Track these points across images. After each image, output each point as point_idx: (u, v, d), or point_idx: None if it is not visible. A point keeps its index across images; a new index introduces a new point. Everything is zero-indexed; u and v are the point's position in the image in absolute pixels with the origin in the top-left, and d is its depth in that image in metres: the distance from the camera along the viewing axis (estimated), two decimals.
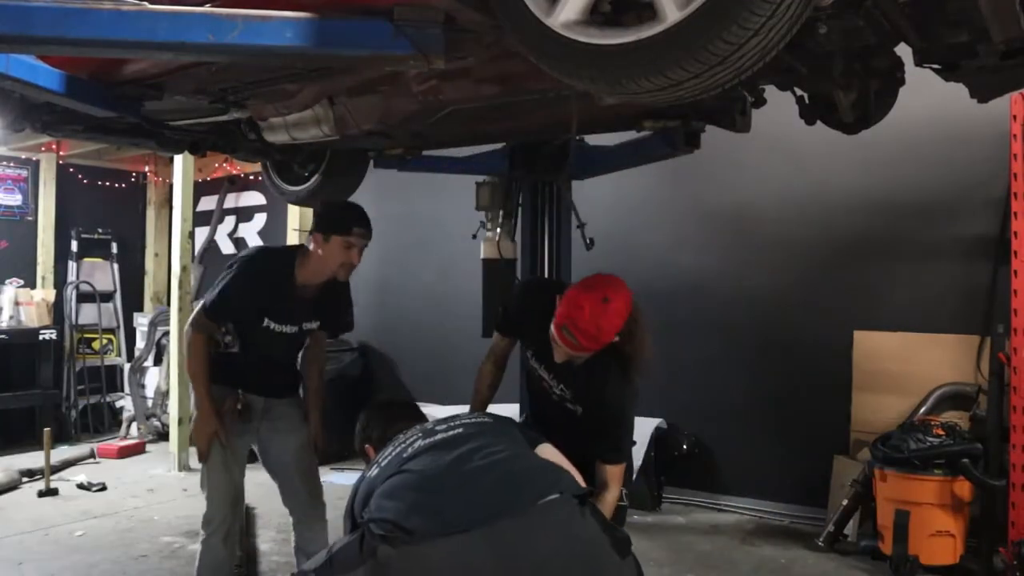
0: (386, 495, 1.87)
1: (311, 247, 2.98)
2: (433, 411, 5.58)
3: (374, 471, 2.02)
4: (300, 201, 4.41)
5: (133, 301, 7.98)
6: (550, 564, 1.77)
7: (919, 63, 2.25)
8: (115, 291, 7.84)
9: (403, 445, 2.06)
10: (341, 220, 2.95)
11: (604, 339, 2.38)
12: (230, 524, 3.05)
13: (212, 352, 3.05)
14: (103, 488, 5.33)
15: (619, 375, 2.51)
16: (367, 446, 2.45)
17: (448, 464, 1.93)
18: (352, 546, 1.78)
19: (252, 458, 3.19)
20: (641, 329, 2.50)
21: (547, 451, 2.18)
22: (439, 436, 2.05)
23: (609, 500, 2.45)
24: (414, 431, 2.12)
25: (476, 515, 1.78)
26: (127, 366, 7.37)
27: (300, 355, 3.33)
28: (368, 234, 2.98)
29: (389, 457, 2.04)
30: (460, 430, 2.08)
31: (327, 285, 3.07)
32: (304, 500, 3.17)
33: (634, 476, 4.72)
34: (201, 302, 3.08)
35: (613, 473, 2.48)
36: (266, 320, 3.00)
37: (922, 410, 4.19)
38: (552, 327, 2.42)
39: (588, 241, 3.61)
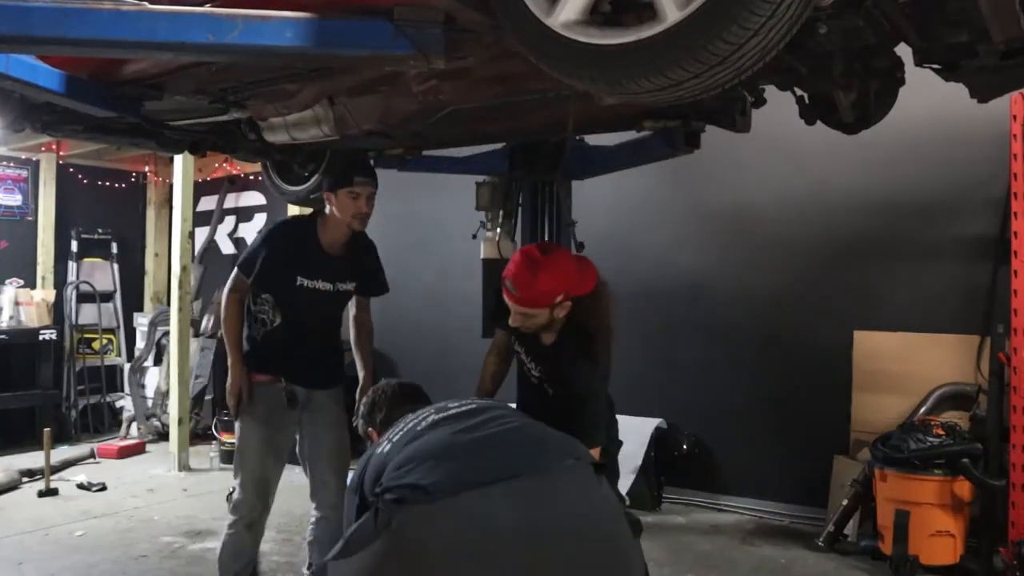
0: (401, 465, 1.82)
1: (327, 209, 3.17)
2: None
3: (385, 447, 1.97)
4: (300, 201, 4.40)
5: (133, 301, 7.97)
6: (571, 524, 1.75)
7: (919, 63, 2.25)
8: (115, 291, 7.84)
9: (416, 420, 2.03)
10: (343, 174, 3.13)
11: (540, 289, 2.41)
12: (258, 513, 3.14)
13: (257, 336, 3.17)
14: (103, 488, 5.33)
15: (584, 354, 2.52)
16: (371, 429, 2.43)
17: (465, 430, 1.91)
18: (367, 523, 1.73)
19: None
20: (604, 305, 2.53)
21: None
22: (452, 411, 2.04)
23: None
24: (425, 409, 2.10)
25: (496, 472, 1.75)
26: (127, 366, 7.36)
27: (352, 334, 3.43)
28: (371, 181, 3.15)
29: (401, 432, 2.00)
30: (473, 405, 2.08)
31: (353, 245, 3.26)
32: (332, 495, 3.21)
33: (634, 476, 4.73)
34: (235, 269, 3.23)
35: None
36: (299, 278, 3.13)
37: (922, 410, 4.19)
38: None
39: (578, 243, 3.63)
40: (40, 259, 7.32)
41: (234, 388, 3.12)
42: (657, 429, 4.95)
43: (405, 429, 2.01)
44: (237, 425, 3.19)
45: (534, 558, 1.68)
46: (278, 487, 3.24)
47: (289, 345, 3.16)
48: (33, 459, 5.74)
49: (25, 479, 5.46)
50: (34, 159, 7.29)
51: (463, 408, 2.05)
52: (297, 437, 3.26)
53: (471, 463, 1.79)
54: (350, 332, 3.46)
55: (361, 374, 3.38)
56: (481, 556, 1.66)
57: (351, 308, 3.42)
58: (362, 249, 3.34)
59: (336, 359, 3.39)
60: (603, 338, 2.53)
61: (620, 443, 2.78)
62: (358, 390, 3.33)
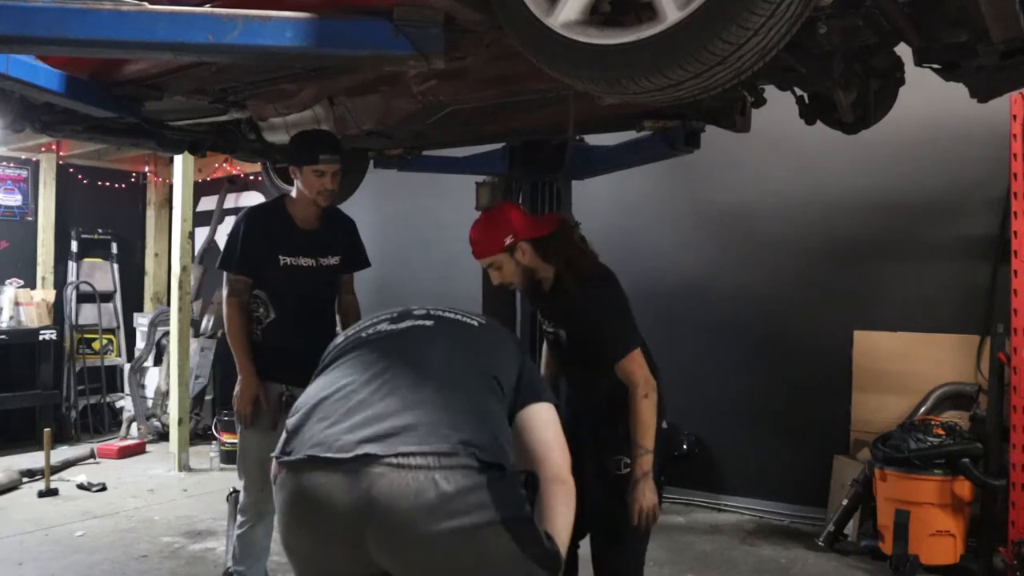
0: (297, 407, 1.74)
1: (294, 187, 3.15)
2: None
3: (336, 340, 1.96)
4: None
5: (133, 301, 7.97)
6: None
7: (919, 63, 2.26)
8: (115, 291, 7.83)
9: (366, 323, 1.94)
10: (308, 151, 3.06)
11: (482, 237, 2.58)
12: (263, 514, 3.17)
13: (256, 338, 3.15)
14: (103, 488, 5.33)
15: (578, 283, 2.56)
16: None
17: (366, 378, 1.72)
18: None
19: None
20: (573, 238, 2.64)
21: (537, 413, 1.82)
22: (392, 328, 1.88)
23: (639, 402, 2.39)
24: (389, 312, 1.96)
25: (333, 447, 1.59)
26: (127, 366, 7.36)
27: (339, 323, 3.39)
28: (336, 159, 3.06)
29: (346, 335, 1.95)
30: (421, 324, 1.88)
31: (328, 219, 3.23)
32: None
33: None
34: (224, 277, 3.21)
35: (624, 367, 2.42)
36: (281, 257, 3.11)
37: (922, 410, 4.19)
38: None
39: None
40: (40, 259, 7.32)
41: (247, 395, 3.08)
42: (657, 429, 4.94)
43: (352, 331, 1.95)
44: (239, 430, 3.19)
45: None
46: None
47: (286, 341, 3.14)
48: (33, 459, 5.74)
49: (25, 479, 5.46)
50: (34, 159, 7.29)
51: (405, 326, 1.87)
52: None
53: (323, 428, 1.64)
54: (338, 321, 3.41)
55: None
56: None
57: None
58: (339, 223, 3.32)
59: None
60: (579, 264, 2.58)
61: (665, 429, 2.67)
62: None
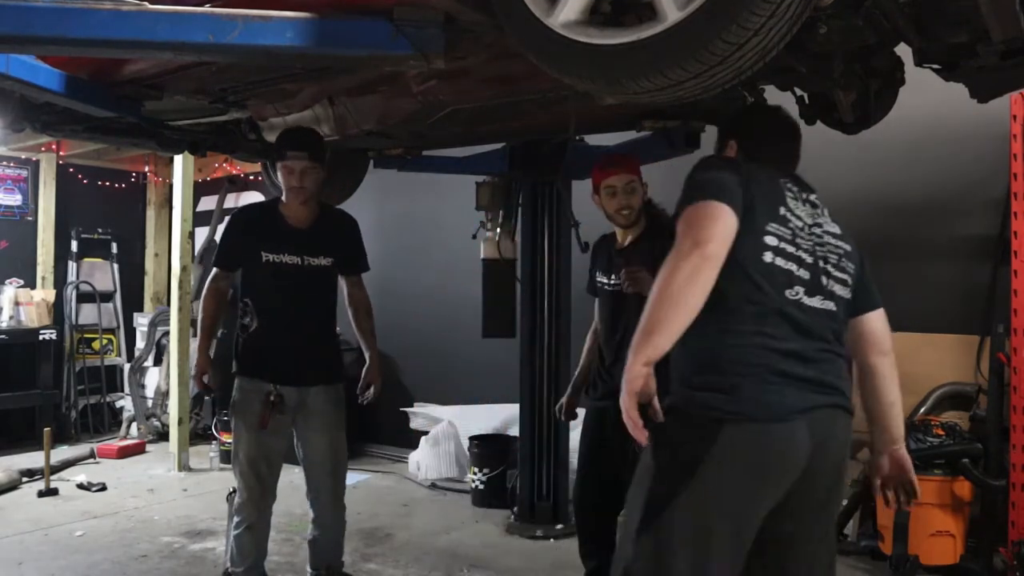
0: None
1: None
2: (433, 411, 5.59)
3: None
4: None
5: (133, 301, 7.97)
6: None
7: (919, 63, 2.26)
8: (115, 291, 7.83)
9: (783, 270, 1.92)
10: (278, 146, 3.07)
11: (630, 159, 3.12)
12: (257, 516, 3.15)
13: (242, 336, 3.15)
14: (103, 488, 5.32)
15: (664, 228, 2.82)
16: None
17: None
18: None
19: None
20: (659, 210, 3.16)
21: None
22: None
23: None
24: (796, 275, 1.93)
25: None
26: (127, 366, 7.36)
27: (350, 316, 3.41)
28: (304, 155, 2.99)
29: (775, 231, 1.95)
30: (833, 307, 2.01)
31: (325, 220, 3.20)
32: (328, 498, 3.24)
33: None
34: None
35: None
36: (264, 253, 3.08)
37: (922, 410, 4.18)
38: None
39: (583, 244, 3.64)
40: (40, 259, 7.32)
41: (197, 372, 3.18)
42: None
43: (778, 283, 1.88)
44: (232, 427, 3.20)
45: None
46: (279, 487, 3.24)
47: (272, 341, 3.10)
48: (33, 459, 5.73)
49: (25, 479, 5.45)
50: (34, 159, 7.29)
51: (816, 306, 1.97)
52: (294, 438, 3.25)
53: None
54: (348, 315, 3.38)
55: (367, 355, 3.41)
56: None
57: (343, 288, 3.34)
58: (337, 224, 3.27)
59: (328, 352, 3.29)
60: None
61: None
62: (364, 370, 3.35)
